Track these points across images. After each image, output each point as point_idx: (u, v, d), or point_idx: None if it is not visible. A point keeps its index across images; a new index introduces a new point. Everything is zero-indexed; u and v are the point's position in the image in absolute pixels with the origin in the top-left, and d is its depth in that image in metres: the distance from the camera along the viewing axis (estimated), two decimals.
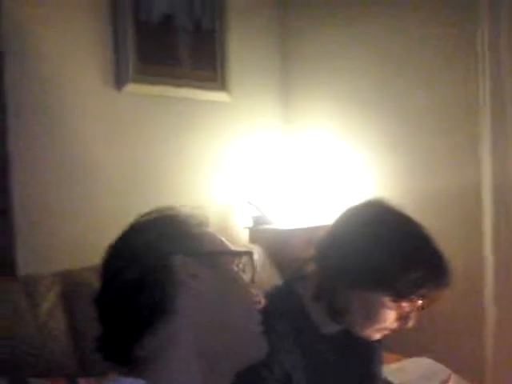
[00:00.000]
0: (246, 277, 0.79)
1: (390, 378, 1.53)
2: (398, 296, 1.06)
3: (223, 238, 0.83)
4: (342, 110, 2.53)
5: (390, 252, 1.05)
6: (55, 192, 1.99)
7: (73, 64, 2.03)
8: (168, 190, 2.30)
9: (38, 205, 1.94)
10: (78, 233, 2.00)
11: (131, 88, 2.15)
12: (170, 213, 0.81)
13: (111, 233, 0.81)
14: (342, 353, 1.16)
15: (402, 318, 1.09)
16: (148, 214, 0.81)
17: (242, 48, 2.48)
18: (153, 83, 2.21)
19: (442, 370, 1.69)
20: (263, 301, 0.80)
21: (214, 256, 0.78)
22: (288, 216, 2.49)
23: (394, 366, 1.79)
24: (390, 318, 1.09)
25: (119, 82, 2.13)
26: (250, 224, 2.43)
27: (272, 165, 2.58)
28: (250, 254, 0.81)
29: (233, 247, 0.82)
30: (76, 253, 1.96)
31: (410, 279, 1.05)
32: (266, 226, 2.40)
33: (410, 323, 1.10)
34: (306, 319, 1.13)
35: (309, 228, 2.40)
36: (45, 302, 1.60)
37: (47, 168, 1.96)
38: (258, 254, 2.23)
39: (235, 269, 0.79)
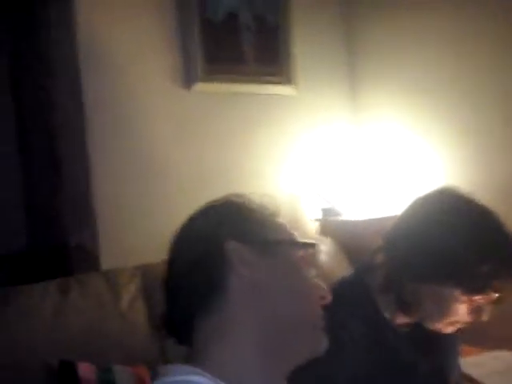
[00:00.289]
0: (311, 269, 0.78)
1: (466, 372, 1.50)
2: (471, 289, 1.03)
3: (292, 229, 0.81)
4: (410, 100, 2.48)
5: (464, 243, 1.02)
6: (131, 189, 2.08)
7: (143, 66, 2.12)
8: (237, 184, 2.35)
9: (117, 202, 2.04)
10: (155, 228, 2.09)
11: (200, 87, 2.22)
12: (237, 199, 0.81)
13: None
14: (418, 348, 1.13)
15: (475, 311, 1.06)
16: (217, 200, 0.82)
17: (306, 42, 2.49)
18: (220, 81, 2.27)
19: None
20: (329, 296, 0.78)
21: (273, 245, 0.76)
22: (358, 207, 2.48)
23: (471, 359, 1.74)
24: (462, 311, 1.06)
25: (188, 81, 2.20)
26: (320, 216, 2.44)
27: (341, 156, 2.58)
28: (314, 246, 0.80)
29: (300, 239, 0.80)
30: (154, 247, 2.05)
31: (483, 272, 1.01)
32: (336, 218, 2.40)
33: (484, 317, 1.07)
34: (375, 311, 1.11)
35: (379, 219, 2.38)
36: (126, 293, 1.69)
37: (123, 166, 2.06)
38: (327, 245, 2.24)
39: (299, 260, 0.77)
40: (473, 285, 1.03)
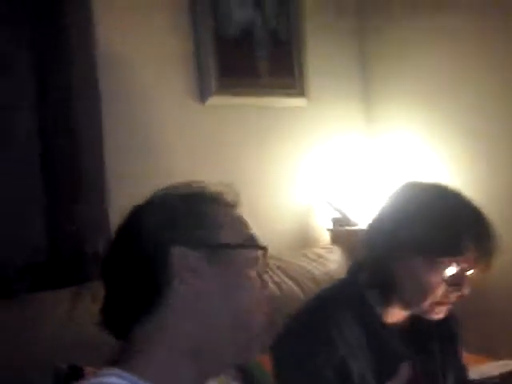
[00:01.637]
0: (259, 276, 0.75)
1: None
2: (439, 257, 1.07)
3: (247, 225, 0.78)
4: (424, 111, 2.48)
5: (429, 215, 1.08)
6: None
7: (158, 80, 2.18)
8: (251, 195, 2.38)
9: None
10: None
11: (214, 100, 2.27)
12: (192, 190, 0.77)
13: None
14: (414, 347, 1.15)
15: (453, 284, 1.08)
16: (171, 188, 0.77)
17: (319, 55, 2.52)
18: (234, 94, 2.32)
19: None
20: (270, 312, 0.76)
21: (222, 250, 0.73)
22: (371, 217, 2.49)
23: (475, 369, 1.73)
24: (439, 285, 1.08)
25: (203, 95, 2.26)
26: (331, 225, 2.46)
27: (354, 166, 2.60)
28: (265, 248, 0.77)
29: (253, 238, 0.76)
30: None
31: (449, 240, 1.06)
32: (348, 227, 2.43)
33: (464, 291, 1.09)
34: (367, 308, 1.13)
35: None
36: None
37: (138, 181, 2.11)
38: (338, 254, 2.27)
39: (247, 264, 0.74)
40: (440, 253, 1.07)
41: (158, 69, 2.19)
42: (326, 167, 2.57)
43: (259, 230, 2.52)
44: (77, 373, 1.50)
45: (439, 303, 1.11)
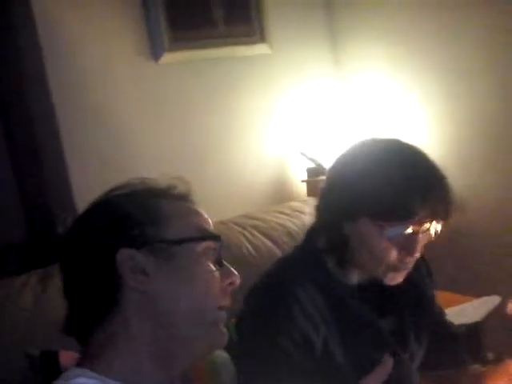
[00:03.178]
0: (212, 264, 0.76)
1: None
2: (387, 220, 1.04)
3: (203, 214, 0.78)
4: (393, 49, 2.43)
5: (378, 175, 1.05)
6: (106, 169, 2.10)
7: (106, 43, 2.10)
8: (221, 151, 2.37)
9: (94, 184, 2.07)
10: None
11: (168, 58, 2.20)
12: (141, 186, 0.77)
13: None
14: (380, 307, 1.15)
15: (404, 249, 1.06)
16: (119, 187, 0.78)
17: None
18: (189, 48, 2.25)
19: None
20: (237, 281, 0.77)
21: (170, 246, 0.73)
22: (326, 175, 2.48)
23: (454, 308, 1.77)
24: (389, 249, 1.06)
25: (155, 52, 2.18)
26: (306, 176, 2.45)
27: (325, 112, 2.56)
28: (217, 238, 0.77)
29: (205, 229, 0.77)
30: None
31: (397, 203, 1.03)
32: (324, 177, 2.41)
33: (415, 254, 1.07)
34: (326, 274, 1.12)
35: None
36: None
37: (96, 149, 2.08)
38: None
39: (199, 257, 0.75)
40: (381, 212, 1.04)
41: (105, 30, 2.10)
42: (297, 115, 2.53)
43: (233, 188, 2.52)
44: (51, 357, 1.51)
45: (394, 268, 1.09)
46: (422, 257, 1.20)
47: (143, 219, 0.74)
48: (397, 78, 2.46)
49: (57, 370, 1.48)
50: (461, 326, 1.28)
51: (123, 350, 0.73)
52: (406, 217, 1.04)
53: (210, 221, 0.81)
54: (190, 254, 0.75)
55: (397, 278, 1.12)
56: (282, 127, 2.51)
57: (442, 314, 1.33)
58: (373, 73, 2.52)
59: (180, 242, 0.74)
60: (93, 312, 0.75)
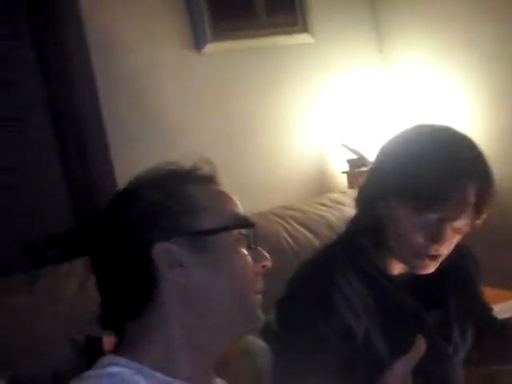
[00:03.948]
0: (248, 250, 0.76)
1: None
2: (419, 205, 1.03)
3: (232, 197, 0.77)
4: (440, 40, 2.40)
5: (418, 161, 1.04)
6: (151, 158, 2.16)
7: (151, 34, 2.15)
8: (263, 141, 2.40)
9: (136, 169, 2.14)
10: None
11: (211, 48, 2.23)
12: (167, 173, 0.76)
13: None
14: (424, 299, 1.13)
15: (431, 237, 1.04)
16: (140, 177, 0.77)
17: None
18: (231, 38, 2.28)
19: None
20: (269, 263, 0.77)
21: (204, 236, 0.73)
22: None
23: (500, 305, 1.75)
24: (415, 231, 1.05)
25: (198, 43, 2.22)
26: (347, 168, 2.45)
27: (368, 104, 2.55)
28: (251, 224, 0.77)
29: (239, 212, 0.77)
30: None
31: (433, 191, 1.02)
32: (365, 169, 2.41)
33: (441, 242, 1.05)
34: (368, 262, 1.11)
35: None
36: None
37: (140, 141, 2.13)
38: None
39: (236, 244, 0.75)
40: (415, 196, 1.03)
41: (148, 19, 2.15)
42: (339, 106, 2.53)
43: (273, 178, 2.53)
44: (95, 343, 1.57)
45: (420, 255, 1.07)
46: (469, 250, 1.20)
47: (176, 209, 0.74)
48: (441, 67, 2.43)
49: (101, 356, 1.54)
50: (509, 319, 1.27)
51: (160, 341, 0.74)
52: (436, 200, 1.03)
53: (238, 202, 0.80)
54: (226, 243, 0.75)
55: (427, 268, 1.09)
56: (324, 118, 2.51)
57: (489, 309, 1.30)
58: (417, 62, 2.50)
59: (215, 231, 0.74)
60: (129, 307, 0.75)
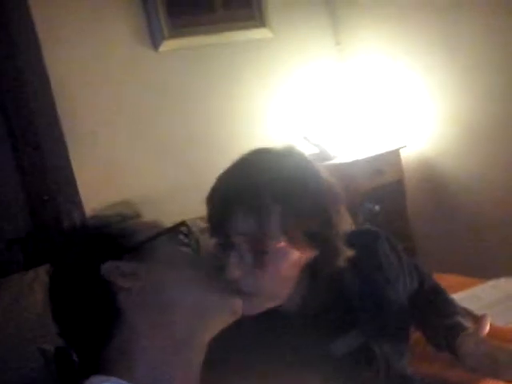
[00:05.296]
0: (191, 249, 0.83)
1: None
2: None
3: (160, 223, 0.85)
4: (395, 28, 2.48)
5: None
6: (111, 157, 2.15)
7: (106, 33, 2.14)
8: (224, 137, 2.42)
9: (99, 174, 2.13)
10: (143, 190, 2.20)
11: (168, 45, 2.24)
12: (93, 221, 0.86)
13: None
14: (330, 332, 1.00)
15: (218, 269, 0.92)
16: (75, 228, 0.89)
17: None
18: (188, 35, 2.28)
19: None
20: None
21: (143, 246, 0.80)
22: (349, 148, 2.54)
23: (466, 293, 1.82)
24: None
25: (154, 41, 2.22)
26: None
27: (327, 96, 2.61)
28: (182, 224, 0.84)
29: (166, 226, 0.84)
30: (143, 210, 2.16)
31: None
32: (327, 162, 2.47)
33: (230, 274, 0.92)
34: None
35: (371, 157, 2.45)
36: None
37: (96, 140, 2.12)
38: None
39: (176, 246, 0.82)
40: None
41: (102, 16, 2.14)
42: (299, 100, 2.57)
43: None
44: (65, 353, 1.58)
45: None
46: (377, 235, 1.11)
47: (111, 237, 0.82)
48: (398, 56, 2.50)
49: (72, 366, 1.55)
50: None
51: (140, 354, 0.76)
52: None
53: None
54: (167, 246, 0.82)
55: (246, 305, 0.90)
56: (285, 112, 2.55)
57: (426, 277, 1.21)
58: (374, 54, 2.57)
59: (152, 238, 0.82)
60: (99, 333, 0.77)
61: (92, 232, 0.84)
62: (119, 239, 0.81)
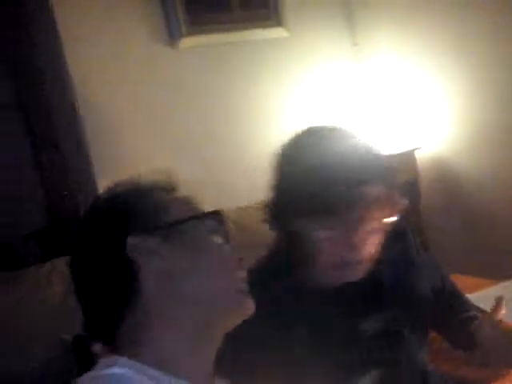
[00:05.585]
0: (221, 239, 0.81)
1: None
2: (322, 223, 1.00)
3: (194, 202, 0.83)
4: (413, 30, 2.48)
5: (308, 182, 1.01)
6: (128, 155, 2.18)
7: (123, 29, 2.17)
8: (241, 136, 2.44)
9: (116, 167, 2.15)
10: None
11: (185, 42, 2.26)
12: (129, 187, 0.82)
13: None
14: (360, 311, 1.07)
15: (344, 246, 1.01)
16: (106, 191, 0.83)
17: None
18: (205, 33, 2.31)
19: None
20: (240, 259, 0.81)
21: (174, 227, 0.78)
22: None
23: (478, 294, 1.81)
24: (330, 248, 1.02)
25: (172, 38, 2.25)
26: None
27: (342, 95, 2.62)
28: (218, 214, 0.82)
29: (202, 210, 0.82)
30: None
31: (315, 202, 1.00)
32: None
33: (359, 249, 1.02)
34: (292, 274, 1.08)
35: (386, 157, 2.45)
36: None
37: (115, 134, 2.15)
38: None
39: (205, 233, 0.80)
40: (320, 218, 1.00)
41: (121, 14, 2.17)
42: (316, 99, 2.59)
43: (250, 173, 2.58)
44: (83, 342, 1.60)
45: (337, 267, 1.03)
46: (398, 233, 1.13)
47: (146, 211, 0.80)
48: (414, 58, 2.51)
49: (89, 354, 1.57)
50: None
51: (154, 336, 0.75)
52: (337, 215, 1.00)
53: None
54: (198, 232, 0.80)
55: (354, 274, 1.05)
56: (301, 111, 2.56)
57: (448, 282, 1.25)
58: (391, 55, 2.57)
59: (183, 221, 0.80)
60: (117, 306, 0.77)
61: (120, 203, 0.80)
62: (148, 214, 0.79)
